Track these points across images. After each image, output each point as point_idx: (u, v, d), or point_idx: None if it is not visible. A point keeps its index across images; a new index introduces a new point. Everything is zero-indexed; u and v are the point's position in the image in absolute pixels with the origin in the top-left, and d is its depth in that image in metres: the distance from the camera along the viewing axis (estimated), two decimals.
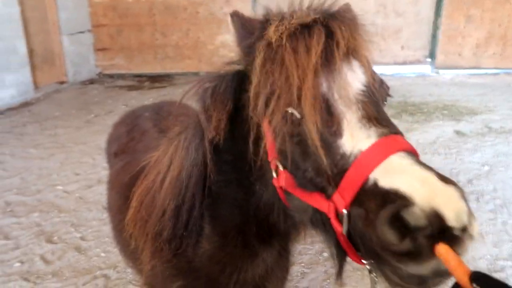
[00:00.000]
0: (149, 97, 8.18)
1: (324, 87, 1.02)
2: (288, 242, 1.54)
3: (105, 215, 3.93)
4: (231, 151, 1.29)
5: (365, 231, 0.91)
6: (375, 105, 1.03)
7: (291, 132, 1.03)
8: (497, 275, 3.03)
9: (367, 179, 0.91)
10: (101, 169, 5.00)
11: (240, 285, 1.47)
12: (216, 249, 1.43)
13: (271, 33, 1.07)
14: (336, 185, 0.96)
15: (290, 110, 1.02)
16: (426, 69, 10.15)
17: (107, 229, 3.73)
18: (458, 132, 5.90)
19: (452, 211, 0.80)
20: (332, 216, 0.98)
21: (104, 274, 3.16)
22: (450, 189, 0.83)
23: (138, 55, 10.69)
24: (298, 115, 1.01)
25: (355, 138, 0.96)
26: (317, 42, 1.03)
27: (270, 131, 1.09)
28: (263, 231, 1.36)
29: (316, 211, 1.04)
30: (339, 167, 0.96)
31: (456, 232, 0.80)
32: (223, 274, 1.46)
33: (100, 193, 4.38)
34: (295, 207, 1.13)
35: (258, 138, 1.17)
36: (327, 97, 1.01)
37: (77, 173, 4.97)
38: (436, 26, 9.96)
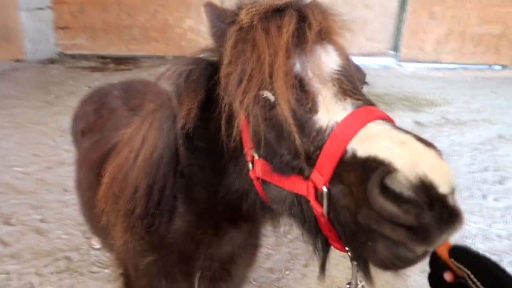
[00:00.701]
0: (113, 79, 7.88)
1: (297, 66, 1.01)
2: (257, 226, 1.59)
3: (67, 197, 3.84)
4: (204, 138, 1.30)
5: (346, 206, 0.86)
6: (350, 82, 1.02)
7: (265, 115, 1.01)
8: None
9: (345, 151, 0.87)
10: (62, 151, 4.84)
11: (209, 260, 1.52)
12: (189, 227, 1.46)
13: (243, 15, 1.07)
14: (314, 163, 0.93)
15: (262, 92, 1.01)
16: (389, 61, 10.45)
17: (68, 211, 3.65)
18: (417, 123, 6.15)
19: (441, 177, 0.75)
20: (311, 197, 0.94)
21: (66, 256, 3.09)
22: (431, 152, 0.78)
23: (102, 36, 10.30)
24: (271, 97, 1.00)
25: (331, 112, 0.94)
26: (289, 22, 1.03)
27: (244, 120, 1.09)
28: (232, 214, 1.39)
29: (295, 198, 1.02)
30: (316, 143, 0.93)
31: (450, 201, 0.75)
32: (194, 249, 1.50)
33: (61, 175, 4.25)
34: (273, 197, 1.10)
35: (232, 130, 1.17)
36: (300, 76, 1.00)
37: (36, 154, 4.78)
38: (400, 20, 10.25)
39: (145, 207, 1.40)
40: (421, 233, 0.75)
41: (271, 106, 1.01)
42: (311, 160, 0.94)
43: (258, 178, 1.10)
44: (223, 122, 1.19)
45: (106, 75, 8.56)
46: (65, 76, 8.31)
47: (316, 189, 0.93)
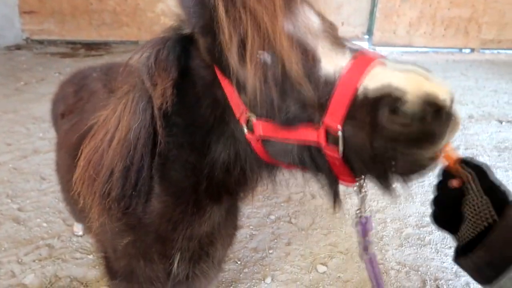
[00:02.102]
0: (85, 66, 7.72)
1: (290, 26, 1.05)
2: (237, 201, 1.60)
3: (44, 186, 3.76)
4: (181, 114, 1.30)
5: (364, 140, 0.95)
6: (337, 35, 1.09)
7: (265, 75, 1.04)
8: (424, 230, 3.37)
9: (356, 90, 0.94)
10: (36, 139, 4.71)
11: (188, 240, 1.53)
12: (166, 207, 1.46)
13: None
14: (324, 109, 0.99)
15: (261, 54, 1.03)
16: (364, 45, 10.57)
17: (47, 199, 3.58)
18: None
19: (441, 89, 0.88)
20: (323, 142, 1.01)
21: (48, 243, 3.04)
22: (430, 74, 0.91)
23: (71, 20, 9.94)
24: (271, 58, 1.03)
25: (334, 60, 1.01)
26: None
27: (229, 85, 1.11)
28: (214, 190, 1.40)
29: (302, 147, 1.08)
30: (325, 90, 0.99)
31: (448, 105, 0.88)
32: (171, 230, 1.50)
33: (38, 164, 4.15)
34: (276, 153, 1.14)
35: (215, 100, 1.18)
36: (295, 34, 1.05)
37: (9, 143, 4.63)
38: (374, 4, 10.36)
39: (121, 189, 1.39)
40: (430, 136, 0.89)
41: (271, 66, 1.04)
42: (321, 107, 1.00)
43: (257, 140, 1.13)
44: (201, 93, 1.20)
45: (76, 61, 8.31)
46: (33, 63, 8.02)
47: (327, 134, 1.00)
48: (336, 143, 0.99)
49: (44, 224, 3.26)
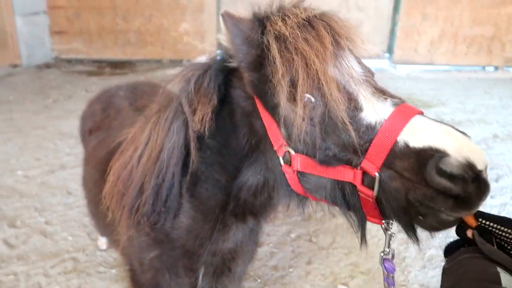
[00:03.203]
0: (110, 83, 7.94)
1: (337, 71, 1.14)
2: (261, 220, 1.64)
3: (70, 200, 3.87)
4: (216, 138, 1.36)
5: (400, 188, 1.02)
6: (376, 82, 1.17)
7: (310, 115, 1.12)
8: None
9: (396, 142, 1.02)
10: (63, 155, 4.87)
11: (212, 255, 1.58)
12: (195, 224, 1.52)
13: (279, 26, 1.16)
14: (363, 154, 1.07)
15: (308, 95, 1.11)
16: (384, 63, 10.56)
17: (73, 213, 3.68)
18: None
19: (479, 157, 0.95)
20: (358, 183, 1.08)
21: (73, 257, 3.12)
22: (468, 138, 0.99)
23: (97, 40, 10.31)
24: (316, 99, 1.11)
25: (376, 109, 1.08)
26: (325, 33, 1.15)
27: (275, 120, 1.18)
28: (240, 210, 1.45)
29: (336, 184, 1.15)
30: (366, 137, 1.07)
31: (485, 175, 0.95)
32: (198, 245, 1.55)
33: (64, 178, 4.28)
34: (311, 186, 1.21)
35: (252, 129, 1.26)
36: (341, 79, 1.13)
37: (38, 158, 4.80)
38: (394, 22, 10.37)
39: (152, 205, 1.45)
40: (465, 201, 0.95)
41: (317, 107, 1.12)
42: (360, 151, 1.08)
43: (293, 172, 1.19)
44: (239, 122, 1.27)
45: (102, 79, 8.58)
46: (62, 81, 8.32)
47: (363, 176, 1.08)
48: (371, 185, 1.06)
49: (70, 238, 3.35)
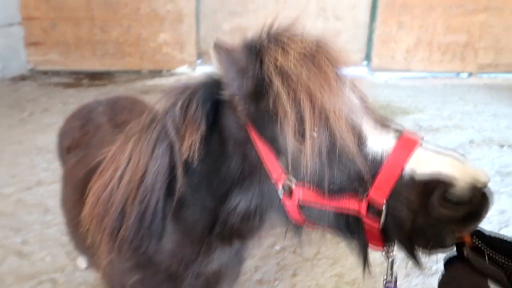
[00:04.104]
0: (88, 95, 7.79)
1: (342, 103, 1.15)
2: (248, 242, 1.61)
3: (48, 218, 3.76)
4: (204, 162, 1.32)
5: (406, 217, 1.05)
6: (374, 112, 1.19)
7: (317, 150, 1.12)
8: (430, 259, 3.33)
9: (402, 170, 1.05)
10: (40, 170, 4.73)
11: (196, 278, 1.54)
12: (179, 247, 1.48)
13: (280, 60, 1.14)
14: (370, 185, 1.08)
15: (316, 130, 1.11)
16: (362, 70, 10.73)
17: (51, 232, 3.57)
18: None
19: (481, 175, 1.00)
20: (364, 213, 1.10)
21: (51, 278, 3.02)
22: (468, 162, 1.05)
23: (75, 51, 10.13)
24: (323, 134, 1.11)
25: (381, 140, 1.11)
26: (328, 67, 1.16)
27: (273, 151, 1.17)
28: (228, 234, 1.41)
29: (339, 214, 1.16)
30: (372, 168, 1.09)
31: (486, 188, 1.01)
32: (182, 269, 1.52)
33: (41, 195, 4.15)
34: (313, 216, 1.20)
35: (245, 159, 1.24)
36: (345, 112, 1.14)
37: (13, 174, 4.64)
38: (371, 31, 10.57)
39: (135, 231, 1.40)
40: (471, 217, 1.01)
41: (322, 141, 1.12)
42: (367, 182, 1.10)
43: (294, 203, 1.18)
44: (231, 151, 1.25)
45: (80, 91, 8.43)
46: (38, 93, 8.13)
47: (368, 206, 1.10)
48: (378, 215, 1.08)
49: (48, 258, 3.25)
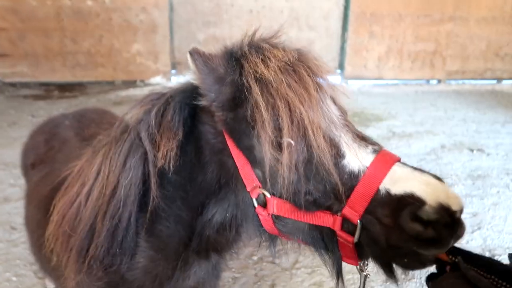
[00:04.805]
0: (59, 107, 7.60)
1: (321, 115, 1.12)
2: (225, 256, 1.57)
3: (15, 236, 3.59)
4: (179, 173, 1.28)
5: (380, 233, 1.04)
6: (353, 125, 1.17)
7: (293, 162, 1.09)
8: None
9: (378, 191, 1.04)
10: (7, 186, 4.53)
11: None
12: (152, 263, 1.42)
13: (261, 69, 1.12)
14: (345, 200, 1.06)
15: (289, 140, 1.08)
16: (336, 79, 10.89)
17: (18, 250, 3.40)
18: None
19: (454, 202, 0.99)
20: (338, 229, 1.08)
21: None
22: (444, 185, 1.03)
23: (44, 63, 9.86)
24: (300, 145, 1.08)
25: (358, 157, 1.08)
26: (309, 77, 1.13)
27: (249, 160, 1.14)
28: (203, 248, 1.37)
29: (314, 228, 1.14)
30: (348, 184, 1.07)
31: (458, 215, 1.00)
32: (156, 285, 1.44)
33: (8, 213, 3.97)
34: (287, 229, 1.17)
35: (222, 168, 1.21)
36: (324, 125, 1.12)
37: None
38: (344, 40, 10.77)
39: (107, 248, 1.33)
40: (437, 241, 1.00)
41: (299, 153, 1.09)
42: (342, 198, 1.08)
43: (269, 214, 1.15)
44: (207, 159, 1.21)
45: (50, 103, 8.19)
46: (5, 106, 7.85)
47: (343, 222, 1.08)
48: (351, 231, 1.07)
49: (14, 278, 3.08)
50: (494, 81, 11.21)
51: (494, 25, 11.01)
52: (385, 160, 1.08)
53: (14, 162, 4.97)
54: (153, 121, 1.21)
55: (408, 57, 11.15)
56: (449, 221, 0.98)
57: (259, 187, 1.14)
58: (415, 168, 1.08)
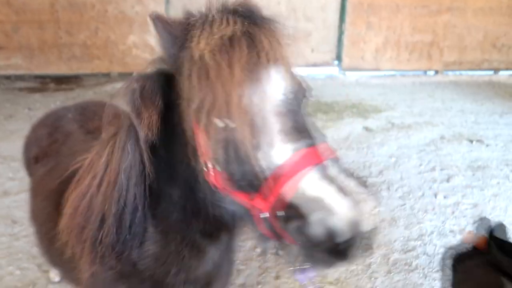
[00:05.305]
0: (55, 100, 7.53)
1: (248, 99, 1.06)
2: (234, 236, 1.55)
3: (16, 230, 3.57)
4: (166, 148, 1.29)
5: (293, 228, 1.03)
6: (293, 115, 1.10)
7: (220, 138, 1.08)
8: (410, 254, 3.38)
9: (285, 188, 1.02)
10: (6, 180, 4.49)
11: (184, 283, 1.47)
12: (161, 249, 1.42)
13: (194, 46, 1.09)
14: (258, 190, 1.06)
15: (218, 121, 1.06)
16: (334, 70, 10.87)
17: (20, 244, 3.39)
18: (366, 128, 6.43)
19: (364, 219, 0.98)
20: (255, 214, 1.09)
21: None
22: (361, 200, 1.00)
23: (39, 55, 9.74)
24: (226, 125, 1.06)
25: (276, 151, 1.05)
26: (240, 56, 1.07)
27: (200, 134, 1.12)
28: (210, 226, 1.37)
29: (240, 205, 1.14)
30: (261, 175, 1.05)
31: (363, 234, 1.00)
32: (170, 275, 1.44)
33: (8, 206, 3.94)
34: (226, 201, 1.18)
35: (190, 138, 1.18)
36: (251, 109, 1.06)
37: None
38: (341, 31, 10.73)
39: (116, 234, 1.34)
40: (341, 254, 1.01)
41: (226, 131, 1.07)
42: (255, 186, 1.07)
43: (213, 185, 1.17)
44: (178, 127, 1.21)
45: (46, 95, 8.11)
46: (1, 99, 7.76)
47: (255, 208, 1.08)
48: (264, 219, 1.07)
49: (17, 272, 3.07)
50: (491, 72, 11.23)
51: (491, 16, 11.00)
52: (310, 157, 1.03)
53: (12, 156, 4.93)
54: (137, 96, 1.20)
55: (405, 48, 11.13)
56: (349, 239, 0.98)
57: (208, 155, 1.13)
58: (330, 176, 1.02)
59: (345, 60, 10.91)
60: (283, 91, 1.11)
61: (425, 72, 11.32)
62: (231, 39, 1.08)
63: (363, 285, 3.00)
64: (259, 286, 3.02)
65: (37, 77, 9.53)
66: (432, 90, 9.42)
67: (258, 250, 3.44)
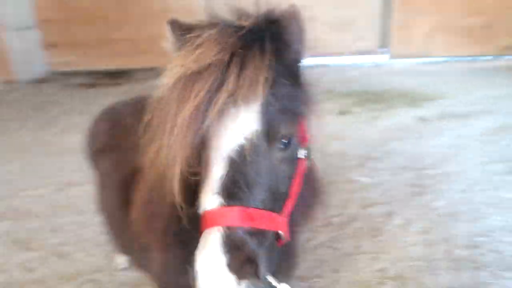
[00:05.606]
0: (109, 94, 7.85)
1: (196, 137, 1.07)
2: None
3: (83, 218, 3.77)
4: None
5: None
6: (238, 168, 1.08)
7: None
8: (476, 251, 3.21)
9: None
10: (69, 171, 4.74)
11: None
12: None
13: (167, 74, 1.15)
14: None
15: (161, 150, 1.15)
16: (380, 58, 10.54)
17: (87, 232, 3.58)
18: (421, 118, 6.19)
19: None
20: None
21: (92, 278, 3.03)
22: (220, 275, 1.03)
23: (91, 51, 10.18)
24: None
25: (204, 198, 1.13)
26: (195, 96, 1.06)
27: None
28: None
29: None
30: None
31: None
32: None
33: (74, 196, 4.18)
34: None
35: None
36: (199, 148, 1.10)
37: (43, 176, 4.68)
38: (387, 17, 10.35)
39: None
40: None
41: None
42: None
43: None
44: None
45: (100, 90, 8.47)
46: (59, 95, 8.20)
47: None
48: None
49: (87, 258, 3.26)
50: None
51: None
52: (216, 216, 1.09)
53: (74, 148, 5.10)
54: None
55: (457, 32, 10.57)
56: None
57: None
58: (220, 250, 1.04)
59: (393, 47, 10.53)
60: (235, 137, 1.08)
61: (478, 57, 10.70)
62: (200, 72, 1.08)
63: (425, 281, 2.91)
64: (318, 279, 3.02)
65: (90, 73, 9.97)
66: (488, 76, 8.90)
67: (313, 243, 3.43)
